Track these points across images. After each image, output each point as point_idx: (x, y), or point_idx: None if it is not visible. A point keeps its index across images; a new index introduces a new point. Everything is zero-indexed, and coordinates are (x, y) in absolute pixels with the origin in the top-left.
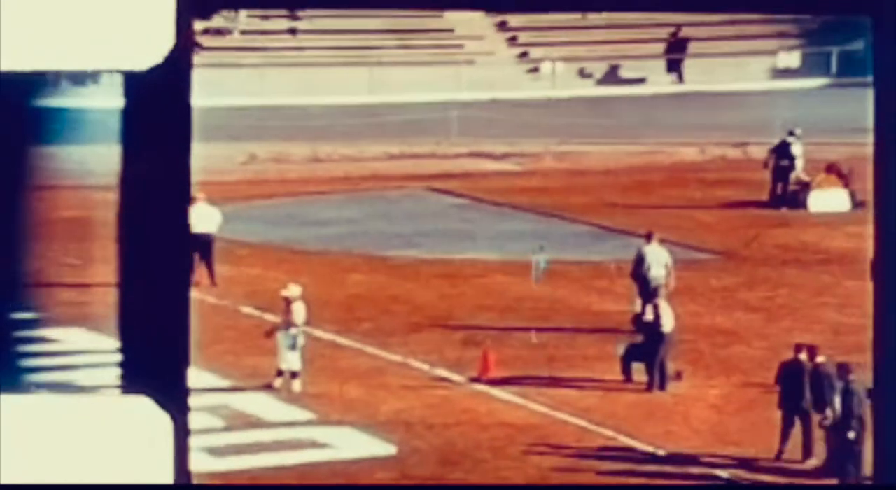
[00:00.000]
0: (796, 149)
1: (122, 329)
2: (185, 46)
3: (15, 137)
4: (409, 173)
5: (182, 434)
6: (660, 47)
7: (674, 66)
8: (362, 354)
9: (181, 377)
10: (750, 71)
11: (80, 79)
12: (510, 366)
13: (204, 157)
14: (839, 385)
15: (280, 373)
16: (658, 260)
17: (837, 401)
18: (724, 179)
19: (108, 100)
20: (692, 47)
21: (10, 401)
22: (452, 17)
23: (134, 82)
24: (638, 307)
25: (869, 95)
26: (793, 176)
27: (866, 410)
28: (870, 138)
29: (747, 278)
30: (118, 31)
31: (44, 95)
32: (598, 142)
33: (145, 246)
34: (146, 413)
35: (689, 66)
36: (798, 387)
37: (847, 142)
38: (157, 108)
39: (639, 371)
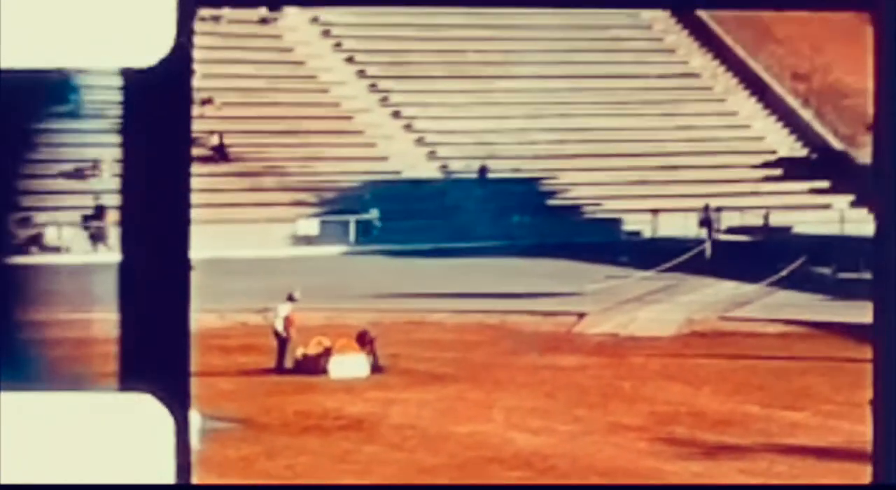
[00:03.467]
0: (283, 309)
1: (123, 324)
2: (186, 42)
3: (14, 135)
4: None
5: (184, 432)
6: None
7: (96, 233)
8: None
9: (183, 374)
10: (271, 238)
11: (78, 76)
12: None
13: None
14: None
15: None
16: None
17: None
18: (244, 346)
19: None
20: (217, 213)
21: (9, 398)
22: None
23: (134, 79)
24: None
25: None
26: (290, 344)
27: None
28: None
29: (267, 447)
30: (117, 28)
31: (43, 93)
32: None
33: (146, 240)
34: (147, 410)
35: (219, 232)
36: None
37: (366, 307)
38: (158, 104)
39: None
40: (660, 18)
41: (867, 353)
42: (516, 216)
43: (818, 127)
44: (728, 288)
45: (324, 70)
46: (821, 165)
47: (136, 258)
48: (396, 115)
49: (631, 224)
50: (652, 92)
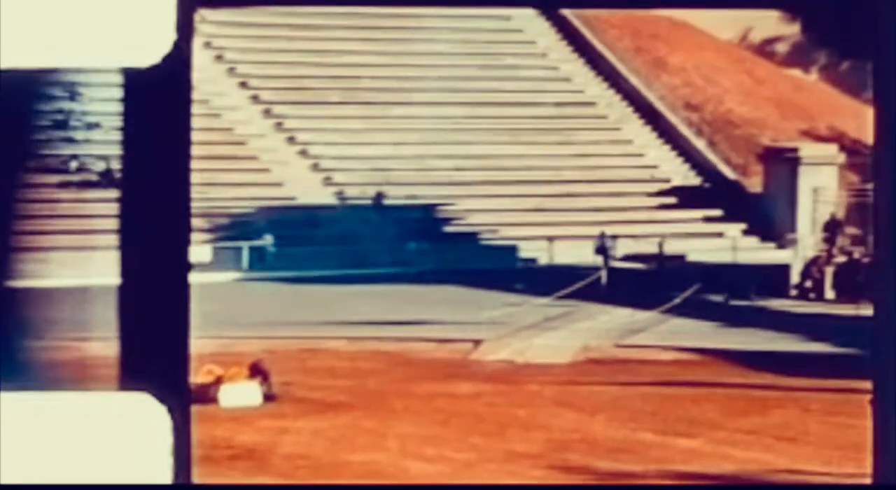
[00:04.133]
0: None
1: (122, 324)
2: (186, 41)
3: (14, 136)
4: None
5: (182, 431)
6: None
7: None
8: None
9: (182, 373)
10: None
11: (79, 76)
12: None
13: None
14: None
15: None
16: None
17: None
18: None
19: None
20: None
21: (7, 398)
22: None
23: (134, 79)
24: None
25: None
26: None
27: None
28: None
29: None
30: (117, 27)
31: (43, 93)
32: None
33: (145, 240)
34: (146, 410)
35: (109, 258)
36: None
37: (260, 335)
38: (158, 104)
39: None
40: (556, 47)
41: (759, 379)
42: (412, 243)
43: (711, 156)
44: (623, 315)
45: (216, 95)
46: (714, 194)
47: (136, 257)
48: (291, 140)
49: (527, 251)
50: (548, 120)
